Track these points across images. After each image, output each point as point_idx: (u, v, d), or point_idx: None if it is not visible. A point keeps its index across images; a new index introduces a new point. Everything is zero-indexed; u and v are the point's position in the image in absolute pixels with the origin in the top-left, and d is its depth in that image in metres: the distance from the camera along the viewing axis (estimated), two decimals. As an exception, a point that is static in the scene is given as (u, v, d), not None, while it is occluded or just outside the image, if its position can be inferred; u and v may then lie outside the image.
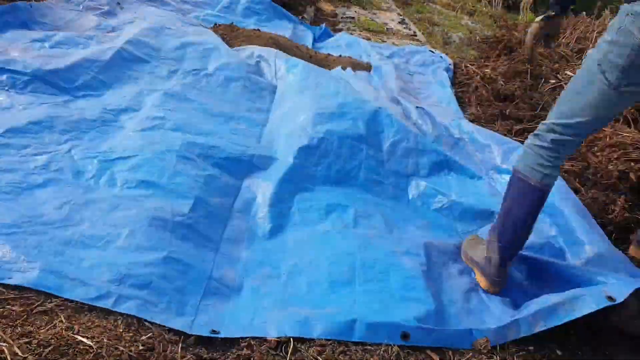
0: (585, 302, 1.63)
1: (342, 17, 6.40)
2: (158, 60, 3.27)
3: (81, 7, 4.02)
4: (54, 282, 1.47)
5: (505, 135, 3.50)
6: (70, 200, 1.84)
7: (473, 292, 1.90)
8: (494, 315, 1.79)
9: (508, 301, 1.89)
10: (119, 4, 4.31)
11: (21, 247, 1.55)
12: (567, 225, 2.30)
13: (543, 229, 2.33)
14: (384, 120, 2.79)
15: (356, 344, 1.55)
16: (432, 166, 2.68)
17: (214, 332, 1.53)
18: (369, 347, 1.55)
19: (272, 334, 1.54)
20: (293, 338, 1.54)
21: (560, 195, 2.43)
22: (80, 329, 1.40)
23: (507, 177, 2.74)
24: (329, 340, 1.54)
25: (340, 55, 4.48)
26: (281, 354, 1.50)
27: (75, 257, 1.59)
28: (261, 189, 2.29)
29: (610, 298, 1.61)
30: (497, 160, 2.94)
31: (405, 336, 1.58)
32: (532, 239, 2.14)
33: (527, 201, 1.79)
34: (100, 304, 1.46)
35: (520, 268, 2.07)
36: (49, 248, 1.59)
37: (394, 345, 1.55)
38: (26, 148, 2.07)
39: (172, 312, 1.54)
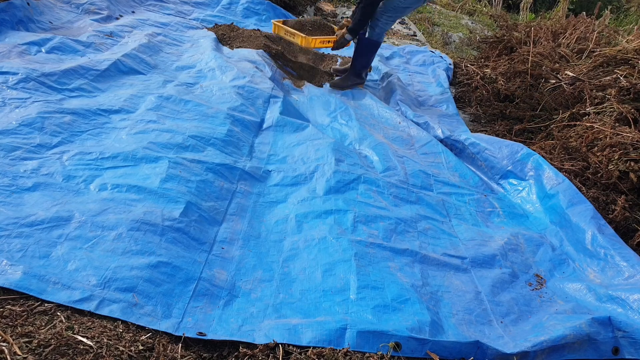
0: (592, 348, 1.74)
1: (342, 17, 6.37)
2: (154, 73, 3.25)
3: (80, 9, 4.00)
4: (37, 285, 1.46)
5: (505, 135, 3.47)
6: (58, 203, 1.82)
7: (477, 305, 1.87)
8: (497, 332, 1.76)
9: (515, 317, 1.87)
10: (121, 16, 4.27)
11: (5, 251, 1.54)
12: (576, 235, 2.32)
13: (553, 241, 2.36)
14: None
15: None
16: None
17: (200, 334, 1.51)
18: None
19: (260, 341, 1.52)
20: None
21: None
22: (80, 329, 1.39)
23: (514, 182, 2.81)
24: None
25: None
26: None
27: (60, 260, 1.57)
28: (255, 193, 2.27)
29: (616, 350, 1.74)
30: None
31: (397, 346, 1.55)
32: (541, 250, 2.27)
33: None
34: (82, 306, 1.45)
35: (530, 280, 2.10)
36: (35, 251, 1.57)
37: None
38: (16, 150, 2.05)
39: (158, 314, 1.52)
